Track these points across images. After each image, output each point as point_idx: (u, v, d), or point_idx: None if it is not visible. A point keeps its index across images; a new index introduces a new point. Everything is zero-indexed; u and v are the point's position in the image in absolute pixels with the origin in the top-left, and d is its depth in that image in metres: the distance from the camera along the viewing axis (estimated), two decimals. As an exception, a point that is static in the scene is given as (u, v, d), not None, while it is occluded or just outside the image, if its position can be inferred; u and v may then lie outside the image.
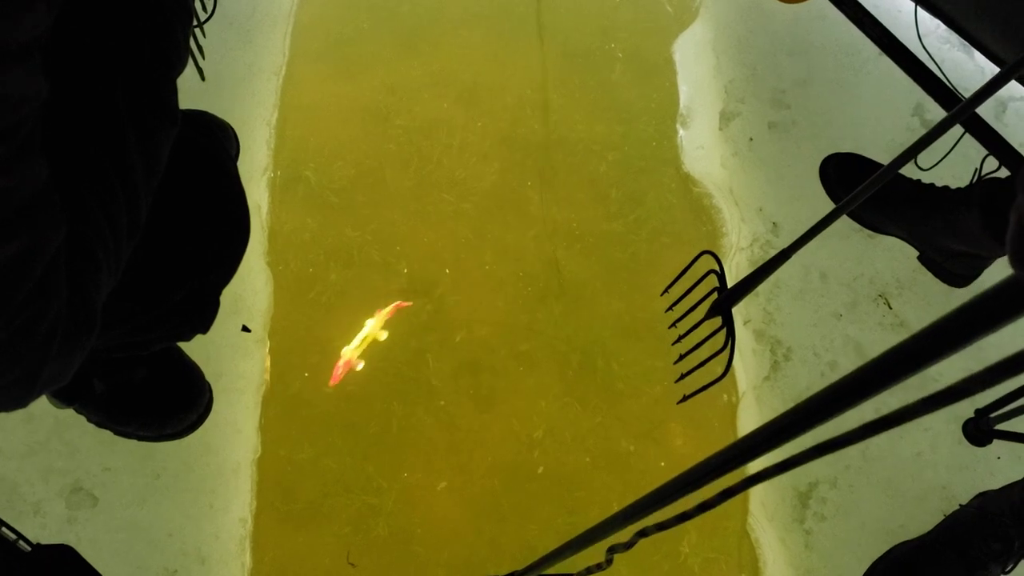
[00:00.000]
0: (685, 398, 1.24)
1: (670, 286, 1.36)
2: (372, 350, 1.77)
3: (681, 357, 1.30)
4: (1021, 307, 0.30)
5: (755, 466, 1.55)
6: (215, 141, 1.14)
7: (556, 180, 2.01)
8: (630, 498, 0.59)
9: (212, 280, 1.13)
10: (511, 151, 2.04)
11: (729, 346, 1.21)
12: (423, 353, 1.79)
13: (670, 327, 1.35)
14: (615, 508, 0.61)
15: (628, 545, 0.70)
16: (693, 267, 1.33)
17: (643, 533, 0.66)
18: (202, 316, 1.16)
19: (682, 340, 1.32)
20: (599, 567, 0.77)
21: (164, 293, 1.02)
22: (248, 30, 2.01)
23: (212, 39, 1.58)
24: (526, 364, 1.81)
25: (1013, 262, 0.41)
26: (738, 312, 1.82)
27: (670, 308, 1.35)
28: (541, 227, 1.95)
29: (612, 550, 0.73)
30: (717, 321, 1.25)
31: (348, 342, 1.76)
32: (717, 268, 1.27)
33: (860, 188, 1.08)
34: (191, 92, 1.03)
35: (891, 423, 0.39)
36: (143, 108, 0.76)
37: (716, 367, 1.22)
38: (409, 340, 1.80)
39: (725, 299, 1.23)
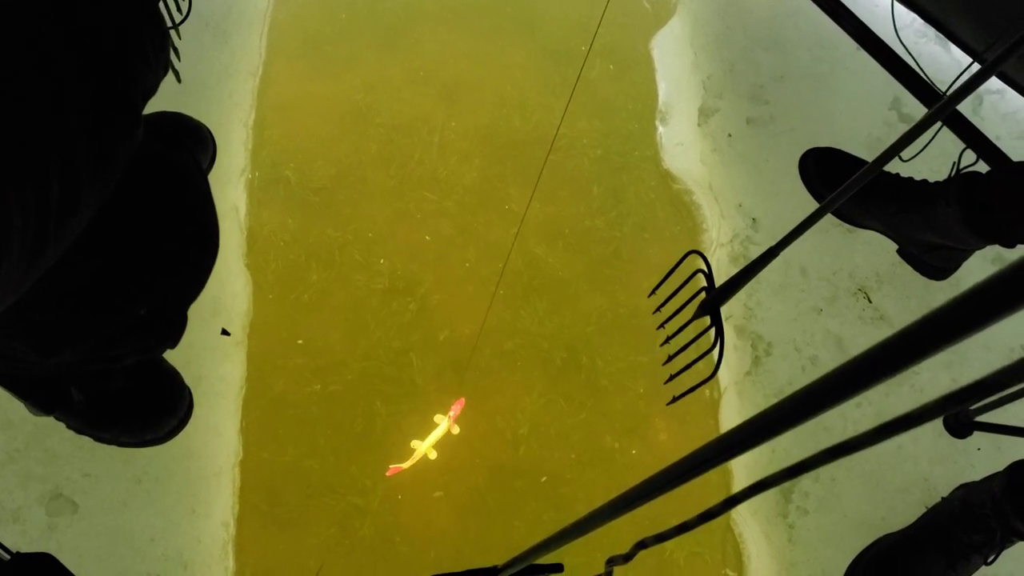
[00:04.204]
0: (675, 399, 1.24)
1: (657, 287, 1.36)
2: (364, 356, 1.77)
3: (670, 358, 1.30)
4: (1017, 300, 0.30)
5: (746, 474, 1.55)
6: (185, 154, 1.13)
7: (538, 177, 2.01)
8: (615, 493, 0.59)
9: (178, 295, 1.13)
10: (492, 148, 2.04)
11: (718, 345, 1.21)
12: (407, 352, 1.78)
13: (658, 328, 1.35)
14: (600, 503, 0.61)
15: (627, 557, 0.69)
16: (680, 267, 1.33)
17: (642, 544, 0.65)
18: (169, 331, 1.15)
19: (670, 341, 1.32)
20: None
21: (128, 306, 1.01)
22: (224, 31, 1.99)
23: (187, 41, 1.56)
24: (510, 362, 1.81)
25: None
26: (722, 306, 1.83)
27: (658, 309, 1.35)
28: (523, 224, 1.95)
29: (611, 562, 0.72)
30: (705, 321, 1.25)
31: (335, 348, 1.76)
32: (705, 268, 1.27)
33: (847, 183, 1.08)
34: (167, 94, 1.02)
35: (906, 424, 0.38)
36: (98, 100, 0.76)
37: (703, 365, 1.22)
38: (393, 340, 1.79)
39: (714, 299, 1.23)
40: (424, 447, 1.65)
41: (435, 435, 1.66)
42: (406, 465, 1.64)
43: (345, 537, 1.63)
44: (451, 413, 1.68)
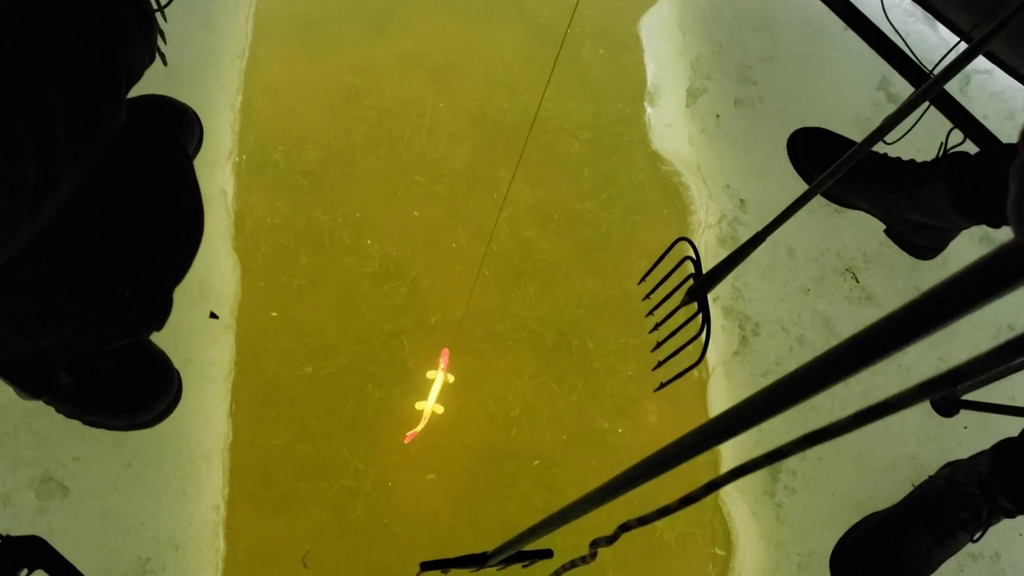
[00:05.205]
0: (662, 385, 1.24)
1: (646, 275, 1.36)
2: (355, 340, 1.77)
3: (658, 345, 1.30)
4: (1005, 284, 0.30)
5: (732, 453, 1.56)
6: (168, 136, 1.13)
7: (528, 159, 2.00)
8: (606, 475, 0.59)
9: (162, 278, 1.12)
10: (482, 131, 2.03)
11: (705, 331, 1.21)
12: (398, 336, 1.78)
13: (647, 315, 1.35)
14: (592, 485, 0.62)
15: (611, 539, 0.70)
16: (668, 254, 1.33)
17: (625, 527, 0.66)
18: (155, 314, 1.15)
19: (659, 328, 1.33)
20: (583, 560, 0.78)
21: (112, 289, 1.01)
22: (210, 13, 1.98)
23: (173, 23, 1.55)
24: (501, 344, 1.81)
25: (1016, 227, 0.40)
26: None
27: (646, 297, 1.35)
28: (514, 207, 1.94)
29: (595, 544, 0.73)
30: (693, 306, 1.26)
31: (322, 328, 1.76)
32: (693, 255, 1.27)
33: (833, 167, 1.08)
34: (153, 77, 1.01)
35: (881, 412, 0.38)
36: (79, 83, 0.76)
37: (692, 351, 1.23)
38: (383, 323, 1.79)
39: (700, 285, 1.23)
40: (430, 404, 1.67)
41: (436, 389, 1.68)
42: (420, 427, 1.66)
43: (337, 520, 1.64)
44: (441, 364, 1.70)
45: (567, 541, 1.63)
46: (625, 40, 2.22)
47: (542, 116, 2.06)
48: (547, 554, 0.96)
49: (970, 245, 1.83)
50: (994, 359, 0.33)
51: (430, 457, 1.70)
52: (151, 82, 1.08)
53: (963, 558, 1.59)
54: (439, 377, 1.68)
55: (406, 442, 1.67)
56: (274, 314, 1.77)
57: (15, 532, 1.10)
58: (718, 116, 1.98)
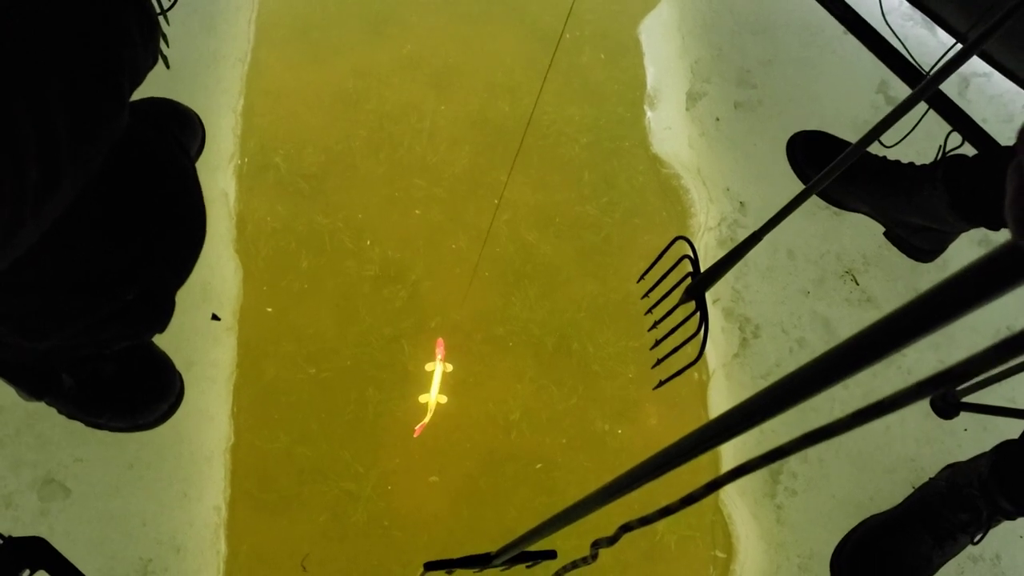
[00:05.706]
0: (661, 383, 1.25)
1: (645, 273, 1.36)
2: (356, 343, 1.77)
3: (657, 343, 1.31)
4: (1002, 284, 0.31)
5: (733, 454, 1.56)
6: (171, 138, 1.13)
7: (528, 163, 2.01)
8: (606, 477, 0.60)
9: (165, 279, 1.13)
10: (482, 135, 2.04)
11: (703, 330, 1.22)
12: (398, 339, 1.79)
13: (646, 313, 1.36)
14: (592, 487, 0.62)
15: (612, 540, 0.71)
16: (667, 252, 1.33)
17: (626, 527, 0.67)
18: (157, 315, 1.15)
19: (657, 326, 1.33)
20: (584, 561, 0.78)
21: (115, 290, 1.01)
22: (211, 16, 1.98)
23: (175, 27, 1.56)
24: (501, 347, 1.81)
25: (1014, 227, 0.40)
26: (707, 291, 1.84)
27: (646, 295, 1.36)
28: (514, 211, 1.95)
29: (596, 544, 0.74)
30: (692, 305, 1.26)
31: (323, 333, 1.76)
32: (691, 254, 1.28)
33: (829, 167, 1.09)
34: (155, 80, 1.02)
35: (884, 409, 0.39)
36: (82, 83, 0.76)
37: (691, 350, 1.23)
38: (384, 327, 1.79)
39: (698, 284, 1.24)
40: (434, 396, 1.69)
41: (437, 380, 1.70)
42: (427, 420, 1.68)
43: (337, 522, 1.64)
44: (439, 355, 1.72)
45: (568, 544, 1.63)
46: (625, 44, 2.22)
47: (543, 120, 2.06)
48: (551, 555, 0.96)
49: (969, 247, 1.83)
50: (992, 358, 0.34)
51: (430, 460, 1.70)
52: (153, 85, 1.08)
53: (963, 560, 1.59)
54: (438, 367, 1.70)
55: (415, 435, 1.68)
56: (269, 310, 1.77)
57: (17, 533, 1.10)
58: (718, 119, 1.99)
